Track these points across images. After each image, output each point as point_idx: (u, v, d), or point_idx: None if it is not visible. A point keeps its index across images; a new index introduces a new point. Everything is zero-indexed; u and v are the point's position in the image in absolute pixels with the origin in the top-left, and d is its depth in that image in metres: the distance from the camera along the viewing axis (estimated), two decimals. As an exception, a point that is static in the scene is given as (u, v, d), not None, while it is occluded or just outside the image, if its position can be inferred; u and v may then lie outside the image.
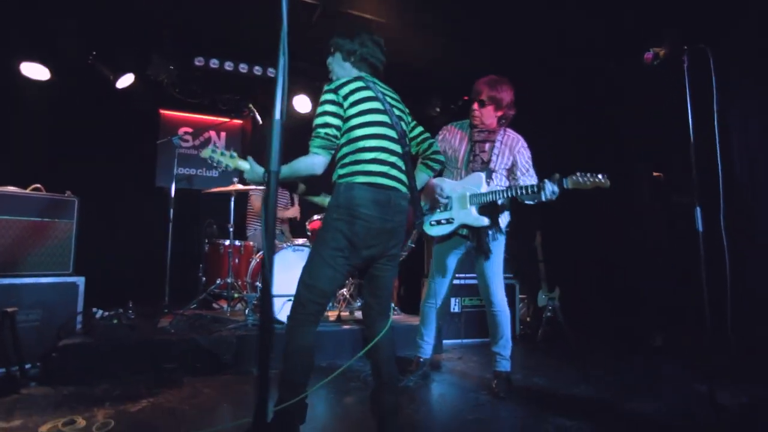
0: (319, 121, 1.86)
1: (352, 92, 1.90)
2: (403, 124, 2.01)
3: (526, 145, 2.79)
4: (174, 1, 3.61)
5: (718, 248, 1.92)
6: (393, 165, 1.93)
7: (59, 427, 1.97)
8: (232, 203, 4.02)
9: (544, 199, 2.47)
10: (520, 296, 4.55)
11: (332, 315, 3.84)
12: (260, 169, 1.89)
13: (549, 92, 4.84)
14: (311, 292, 1.84)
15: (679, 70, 2.01)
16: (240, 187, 3.82)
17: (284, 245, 3.72)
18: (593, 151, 4.64)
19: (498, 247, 2.77)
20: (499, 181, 2.75)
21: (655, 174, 4.40)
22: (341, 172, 1.90)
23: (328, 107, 1.86)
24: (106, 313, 2.99)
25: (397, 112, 1.99)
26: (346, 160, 1.89)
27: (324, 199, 3.91)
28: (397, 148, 1.96)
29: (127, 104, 4.46)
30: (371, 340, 1.97)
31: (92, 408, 2.23)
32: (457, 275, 2.97)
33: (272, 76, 4.17)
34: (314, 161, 1.85)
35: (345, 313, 4.03)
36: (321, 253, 1.84)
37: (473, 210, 2.68)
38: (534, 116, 5.09)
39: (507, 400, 2.48)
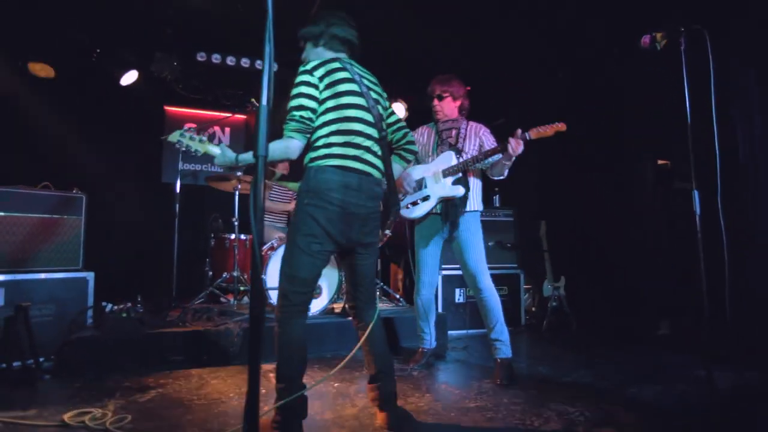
0: (293, 103, 1.81)
1: (328, 73, 1.84)
2: (380, 108, 1.97)
3: (489, 130, 2.91)
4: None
5: (717, 235, 1.92)
6: (367, 149, 1.89)
7: (84, 420, 2.03)
8: (237, 197, 4.06)
9: (512, 152, 2.52)
10: (525, 286, 4.56)
11: (338, 307, 3.87)
12: (232, 154, 1.82)
13: (547, 85, 4.82)
14: (292, 283, 1.82)
15: (695, 54, 1.97)
16: (240, 174, 3.81)
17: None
18: (594, 141, 4.62)
19: (476, 229, 2.83)
20: None
21: (660, 162, 4.37)
22: (312, 155, 1.85)
23: (303, 89, 1.81)
24: (116, 307, 3.05)
25: (374, 95, 1.95)
26: (319, 143, 1.85)
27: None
28: (373, 132, 1.92)
29: (132, 101, 4.50)
30: (361, 329, 1.98)
31: (104, 399, 2.29)
32: (459, 267, 2.99)
33: (274, 70, 4.19)
34: (288, 145, 1.80)
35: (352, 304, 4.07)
36: (296, 242, 1.81)
37: (448, 181, 2.76)
38: (533, 108, 5.09)
39: (510, 387, 2.51)
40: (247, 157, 1.80)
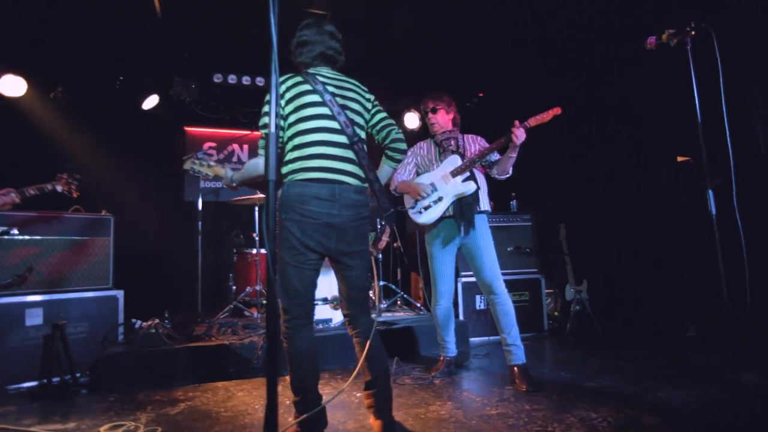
0: (260, 122, 1.90)
1: (288, 89, 1.88)
2: (348, 113, 1.93)
3: (484, 139, 3.02)
4: (191, 23, 3.78)
5: (737, 233, 1.89)
6: (336, 158, 1.89)
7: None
8: (257, 213, 4.17)
9: (517, 141, 2.60)
10: (547, 291, 4.51)
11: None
12: (230, 174, 2.04)
13: (561, 87, 4.79)
14: (288, 296, 1.86)
15: (709, 52, 1.95)
16: (261, 195, 3.93)
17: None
18: (611, 141, 4.57)
19: (487, 233, 2.89)
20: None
21: (680, 159, 4.29)
22: (284, 170, 1.90)
23: (266, 108, 1.85)
24: (144, 324, 3.15)
25: (340, 101, 1.92)
26: (288, 157, 1.89)
27: None
28: (341, 139, 1.91)
29: (154, 124, 4.68)
30: (359, 338, 1.98)
31: (136, 412, 2.39)
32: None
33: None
34: (258, 162, 1.91)
35: (372, 314, 4.10)
36: (282, 255, 1.86)
37: (458, 179, 2.81)
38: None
39: (532, 393, 2.49)
40: (237, 176, 2.00)
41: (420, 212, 2.88)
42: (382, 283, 4.55)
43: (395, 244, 4.86)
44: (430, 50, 4.46)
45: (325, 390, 2.67)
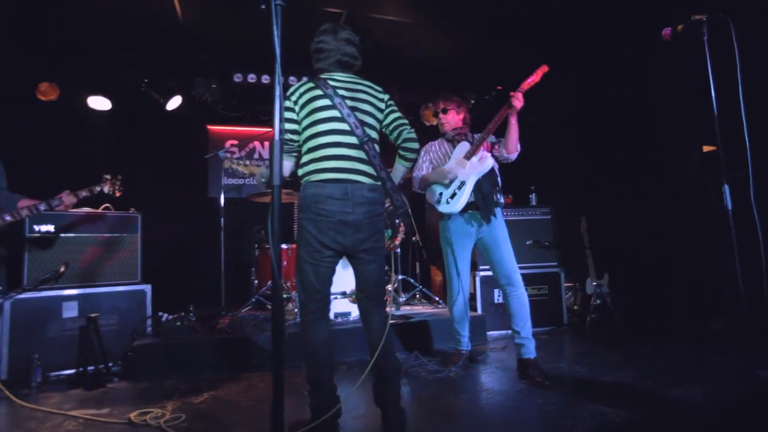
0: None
1: (301, 95, 1.98)
2: (358, 114, 1.98)
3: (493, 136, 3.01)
4: (210, 26, 3.89)
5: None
6: (348, 158, 1.96)
7: (146, 419, 2.25)
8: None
9: (517, 105, 2.63)
10: (567, 284, 4.47)
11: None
12: (264, 171, 2.15)
13: (580, 79, 4.71)
14: (305, 291, 1.96)
15: (727, 40, 1.90)
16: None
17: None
18: (633, 131, 4.47)
19: (503, 225, 2.90)
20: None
21: (706, 148, 4.16)
22: (300, 172, 2.01)
23: (285, 113, 1.98)
24: (170, 317, 3.30)
25: (350, 103, 1.98)
26: (303, 160, 2.00)
27: None
28: (351, 139, 1.97)
29: (178, 124, 4.84)
30: (368, 333, 2.04)
31: (163, 400, 2.52)
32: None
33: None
34: None
35: (390, 309, 4.16)
36: (300, 252, 1.96)
37: (474, 160, 2.82)
38: (566, 103, 4.98)
39: (546, 387, 2.50)
40: (266, 174, 2.07)
41: (447, 202, 2.89)
42: (400, 276, 4.59)
43: (414, 238, 4.89)
44: (448, 43, 4.44)
45: (343, 382, 2.75)
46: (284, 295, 4.21)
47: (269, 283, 4.25)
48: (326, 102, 1.96)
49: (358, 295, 2.08)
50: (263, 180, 2.22)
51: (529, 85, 2.68)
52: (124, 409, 2.40)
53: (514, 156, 2.86)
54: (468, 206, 2.86)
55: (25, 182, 3.11)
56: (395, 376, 2.02)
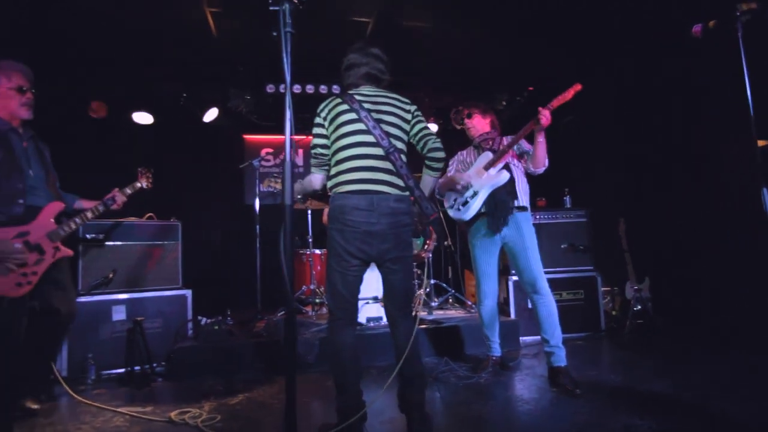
0: (311, 143, 2.11)
1: (330, 111, 2.06)
2: (384, 126, 2.04)
3: (524, 140, 2.96)
4: (243, 40, 4.05)
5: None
6: (373, 169, 2.01)
7: (185, 418, 2.38)
8: (310, 216, 4.38)
9: (544, 122, 2.57)
10: (605, 289, 4.33)
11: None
12: (298, 187, 2.24)
13: (613, 72, 4.55)
14: (333, 299, 2.04)
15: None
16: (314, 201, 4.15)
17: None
18: (673, 127, 4.27)
19: (530, 231, 2.85)
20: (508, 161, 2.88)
21: (761, 143, 3.91)
22: (329, 185, 2.09)
23: (315, 130, 2.10)
24: (209, 320, 3.45)
25: (375, 116, 2.04)
26: (332, 172, 2.08)
27: None
28: (377, 151, 2.02)
29: (215, 134, 5.06)
30: (394, 339, 2.08)
31: (201, 401, 2.65)
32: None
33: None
34: (311, 179, 2.15)
35: (423, 313, 4.17)
36: (329, 261, 2.04)
37: (491, 171, 2.82)
38: (602, 102, 4.82)
39: (576, 396, 2.44)
40: (298, 188, 2.23)
41: (458, 209, 2.92)
42: (433, 281, 4.60)
43: (446, 243, 4.88)
44: (478, 46, 4.41)
45: (371, 387, 2.79)
46: (317, 300, 4.32)
47: (303, 287, 4.36)
48: (352, 116, 2.03)
49: (386, 303, 2.13)
50: (298, 196, 2.37)
51: (559, 102, 2.63)
52: (165, 407, 2.54)
53: (541, 170, 2.83)
54: (480, 215, 2.87)
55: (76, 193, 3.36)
56: (420, 382, 2.05)
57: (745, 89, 1.85)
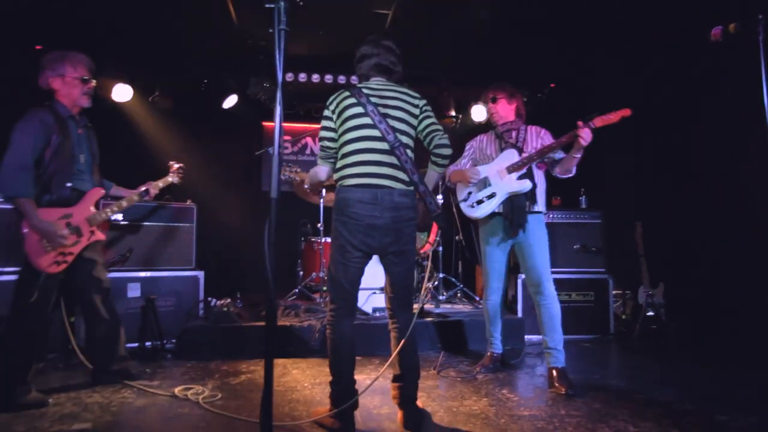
0: (319, 135, 2.14)
1: (337, 105, 2.09)
2: (390, 120, 2.04)
3: (549, 133, 2.86)
4: (263, 28, 4.09)
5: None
6: (378, 163, 2.02)
7: (187, 394, 2.49)
8: (322, 205, 4.43)
9: (583, 142, 2.50)
10: (616, 292, 4.26)
11: (415, 308, 3.98)
12: (311, 175, 2.26)
13: (638, 74, 4.41)
14: (334, 288, 2.08)
15: None
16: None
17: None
18: (694, 125, 4.13)
19: (542, 233, 2.78)
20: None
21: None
22: (335, 177, 2.12)
23: (323, 122, 2.12)
24: (219, 302, 3.56)
25: (381, 110, 2.05)
26: (338, 165, 2.10)
27: None
28: (382, 145, 2.03)
29: (234, 121, 5.15)
30: (393, 331, 2.13)
31: (205, 378, 2.76)
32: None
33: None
34: (317, 170, 2.18)
35: (430, 305, 4.19)
36: (332, 252, 2.08)
37: (513, 176, 2.73)
38: (623, 98, 4.68)
39: (571, 398, 2.43)
40: (307, 180, 2.32)
41: (472, 206, 2.86)
42: (441, 275, 4.60)
43: (456, 237, 4.87)
44: (499, 40, 4.34)
45: (372, 375, 2.84)
46: (325, 288, 4.38)
47: (313, 274, 4.43)
48: (359, 110, 2.05)
49: (387, 294, 2.17)
50: (306, 185, 2.48)
51: (603, 123, 2.52)
52: (171, 383, 2.65)
53: (564, 177, 2.77)
54: (494, 215, 2.82)
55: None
56: (413, 374, 2.09)
57: (763, 92, 1.77)
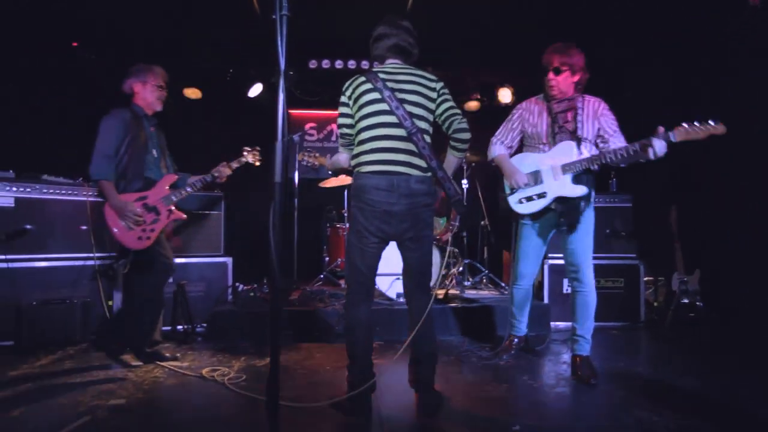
0: (337, 122, 2.14)
1: (353, 91, 2.07)
2: (407, 106, 2.01)
3: (608, 106, 2.58)
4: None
5: None
6: (395, 150, 2.01)
7: (214, 375, 2.60)
8: (346, 192, 4.46)
9: (652, 157, 2.28)
10: (648, 278, 4.11)
11: (440, 293, 3.98)
12: (333, 161, 2.28)
13: (678, 57, 4.16)
14: (351, 273, 2.11)
15: None
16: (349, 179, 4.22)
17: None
18: (737, 111, 3.88)
19: (590, 221, 2.64)
20: (589, 150, 2.57)
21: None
22: (352, 163, 2.12)
23: (340, 109, 2.12)
24: (246, 287, 3.66)
25: (398, 96, 2.01)
26: (355, 152, 2.10)
27: None
28: (399, 132, 2.01)
29: (260, 109, 5.22)
30: (409, 315, 2.13)
31: (231, 361, 2.86)
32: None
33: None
34: (338, 158, 2.20)
35: (455, 291, 4.18)
36: (349, 238, 2.11)
37: (568, 179, 2.56)
38: (657, 78, 4.43)
39: (594, 386, 2.39)
40: (329, 165, 2.35)
41: (520, 201, 2.69)
42: (467, 261, 4.57)
43: (483, 222, 4.81)
44: (526, 17, 4.19)
45: (391, 360, 2.87)
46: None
47: (338, 260, 4.50)
48: (375, 95, 2.03)
49: (404, 279, 2.19)
50: (329, 171, 2.52)
51: (683, 138, 2.22)
52: (200, 364, 2.77)
53: (612, 165, 2.52)
54: (545, 209, 2.64)
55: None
56: (430, 359, 2.10)
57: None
